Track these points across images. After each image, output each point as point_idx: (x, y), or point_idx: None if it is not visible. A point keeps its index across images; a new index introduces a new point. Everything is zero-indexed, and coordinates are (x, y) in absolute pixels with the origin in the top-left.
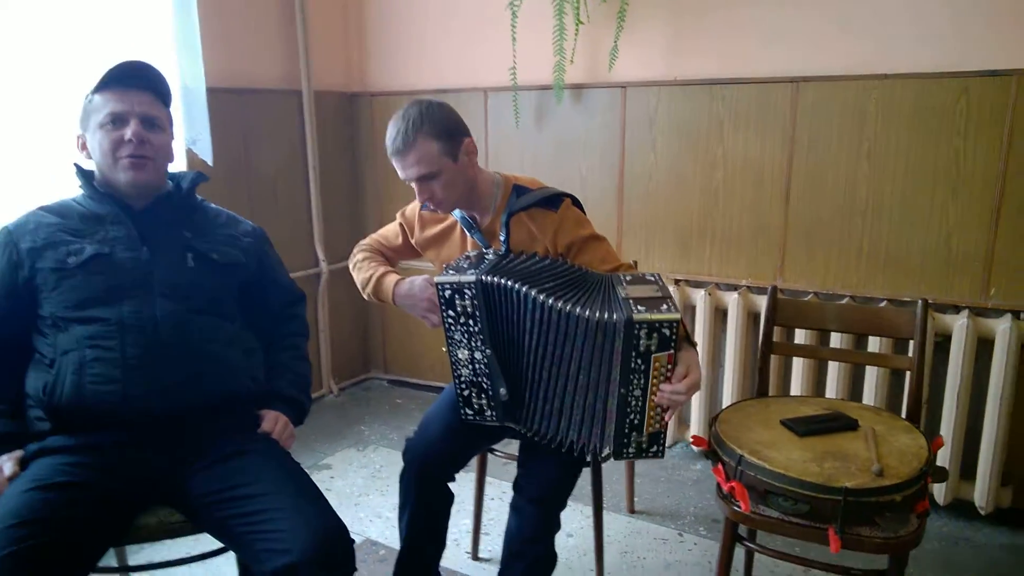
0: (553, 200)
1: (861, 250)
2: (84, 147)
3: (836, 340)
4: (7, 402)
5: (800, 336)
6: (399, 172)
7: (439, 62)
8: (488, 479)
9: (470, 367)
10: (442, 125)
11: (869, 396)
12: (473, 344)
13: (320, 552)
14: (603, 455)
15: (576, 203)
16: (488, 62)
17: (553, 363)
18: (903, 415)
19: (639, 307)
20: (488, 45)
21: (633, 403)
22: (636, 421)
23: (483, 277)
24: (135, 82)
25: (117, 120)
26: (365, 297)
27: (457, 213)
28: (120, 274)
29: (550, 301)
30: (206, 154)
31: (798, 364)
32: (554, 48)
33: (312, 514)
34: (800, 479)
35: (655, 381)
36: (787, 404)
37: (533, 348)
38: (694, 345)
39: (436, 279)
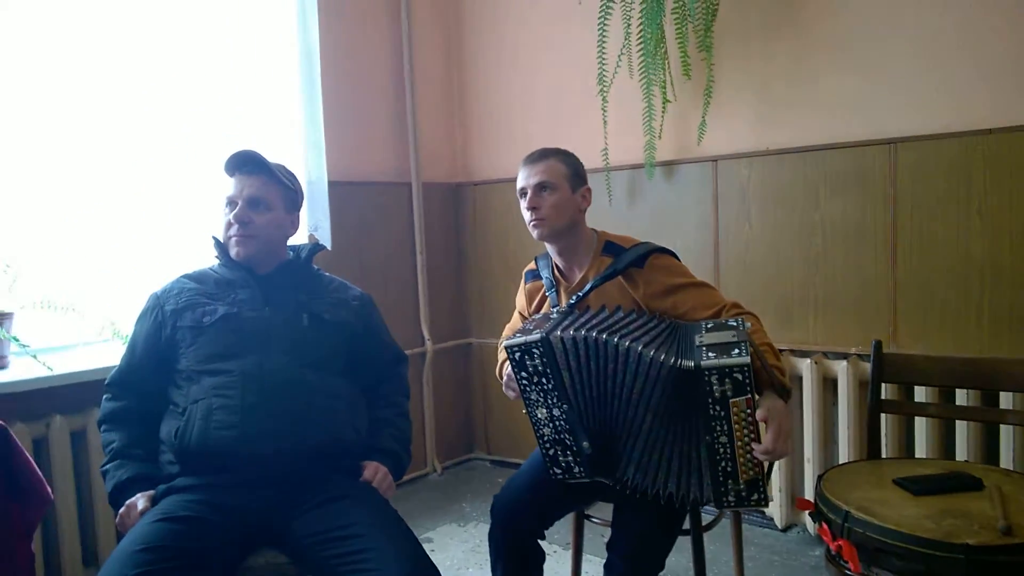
0: (640, 259)
1: (982, 311)
2: None
3: (963, 402)
4: (144, 448)
5: (921, 397)
6: (520, 180)
7: (535, 148)
8: (587, 556)
9: (550, 425)
10: (575, 163)
11: (1007, 461)
12: (550, 402)
13: None
14: (703, 503)
15: (668, 254)
16: (581, 146)
17: (633, 410)
18: None
19: (709, 353)
20: (580, 129)
21: (721, 450)
22: (729, 468)
23: (546, 334)
24: (247, 168)
25: (230, 203)
26: None
27: (545, 275)
28: (245, 331)
29: (617, 341)
30: (326, 240)
31: (921, 426)
32: (643, 127)
33: (409, 555)
34: (914, 535)
35: (738, 426)
36: (902, 465)
37: (609, 397)
38: (785, 392)
39: (504, 343)
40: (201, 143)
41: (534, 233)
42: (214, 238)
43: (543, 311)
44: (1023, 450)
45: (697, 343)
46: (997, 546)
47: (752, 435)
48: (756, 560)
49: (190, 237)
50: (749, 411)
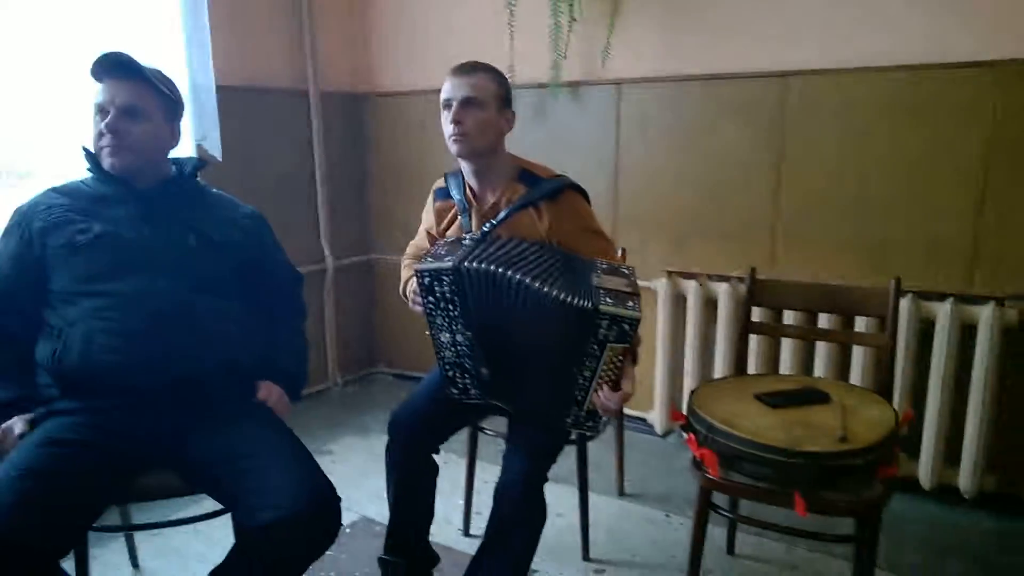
0: (554, 192)
1: (854, 242)
2: None
3: (826, 324)
4: (18, 369)
5: (790, 320)
6: (446, 91)
7: (441, 62)
8: (480, 463)
9: (452, 349)
10: (505, 83)
11: (856, 378)
12: (454, 327)
13: (308, 508)
14: (546, 420)
15: (582, 193)
16: (489, 60)
17: (527, 341)
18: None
19: (607, 299)
20: (488, 45)
21: (581, 381)
22: (580, 398)
23: (458, 263)
24: (119, 72)
25: (100, 110)
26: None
27: (456, 195)
28: (125, 251)
29: (522, 279)
30: (215, 150)
31: (787, 347)
32: (550, 46)
33: (302, 473)
34: (765, 444)
35: (605, 368)
36: (764, 381)
37: (509, 328)
38: (635, 360)
39: (415, 267)
40: (67, 41)
41: (453, 148)
42: (84, 148)
43: (454, 233)
44: (872, 368)
45: (595, 283)
46: (834, 452)
47: (611, 379)
48: (636, 462)
49: (57, 147)
50: (621, 360)
